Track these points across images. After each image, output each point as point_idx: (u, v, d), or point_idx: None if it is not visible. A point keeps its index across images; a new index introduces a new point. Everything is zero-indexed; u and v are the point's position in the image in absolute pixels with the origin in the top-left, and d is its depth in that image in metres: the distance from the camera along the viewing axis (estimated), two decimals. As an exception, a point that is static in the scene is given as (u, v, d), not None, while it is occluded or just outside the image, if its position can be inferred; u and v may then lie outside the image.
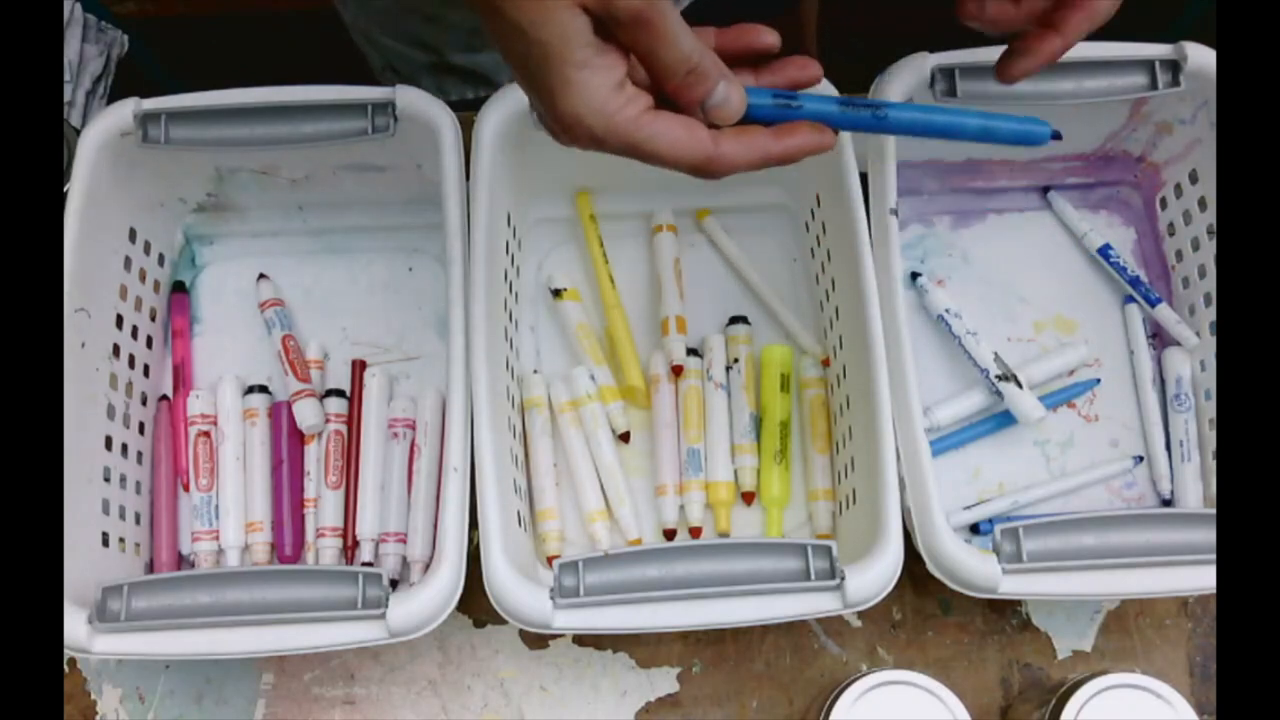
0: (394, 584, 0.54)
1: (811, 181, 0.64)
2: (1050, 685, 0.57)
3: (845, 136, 0.58)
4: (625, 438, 0.64)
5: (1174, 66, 0.59)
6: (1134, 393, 0.65)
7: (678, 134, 0.38)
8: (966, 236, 0.69)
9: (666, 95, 0.38)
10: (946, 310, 0.65)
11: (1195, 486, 0.62)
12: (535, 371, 0.65)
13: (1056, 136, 0.44)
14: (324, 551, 0.61)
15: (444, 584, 0.50)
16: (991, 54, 0.58)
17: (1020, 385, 0.61)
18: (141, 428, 0.63)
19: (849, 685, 0.51)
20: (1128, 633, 0.60)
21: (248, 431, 0.63)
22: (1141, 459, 0.63)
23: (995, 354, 0.62)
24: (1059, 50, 0.46)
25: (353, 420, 0.64)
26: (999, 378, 0.61)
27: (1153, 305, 0.65)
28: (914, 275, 0.67)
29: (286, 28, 1.39)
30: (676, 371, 0.64)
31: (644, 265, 0.68)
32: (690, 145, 0.38)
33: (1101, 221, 0.69)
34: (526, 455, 0.63)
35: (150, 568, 0.62)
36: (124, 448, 0.61)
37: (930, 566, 0.52)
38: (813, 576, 0.50)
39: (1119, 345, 0.66)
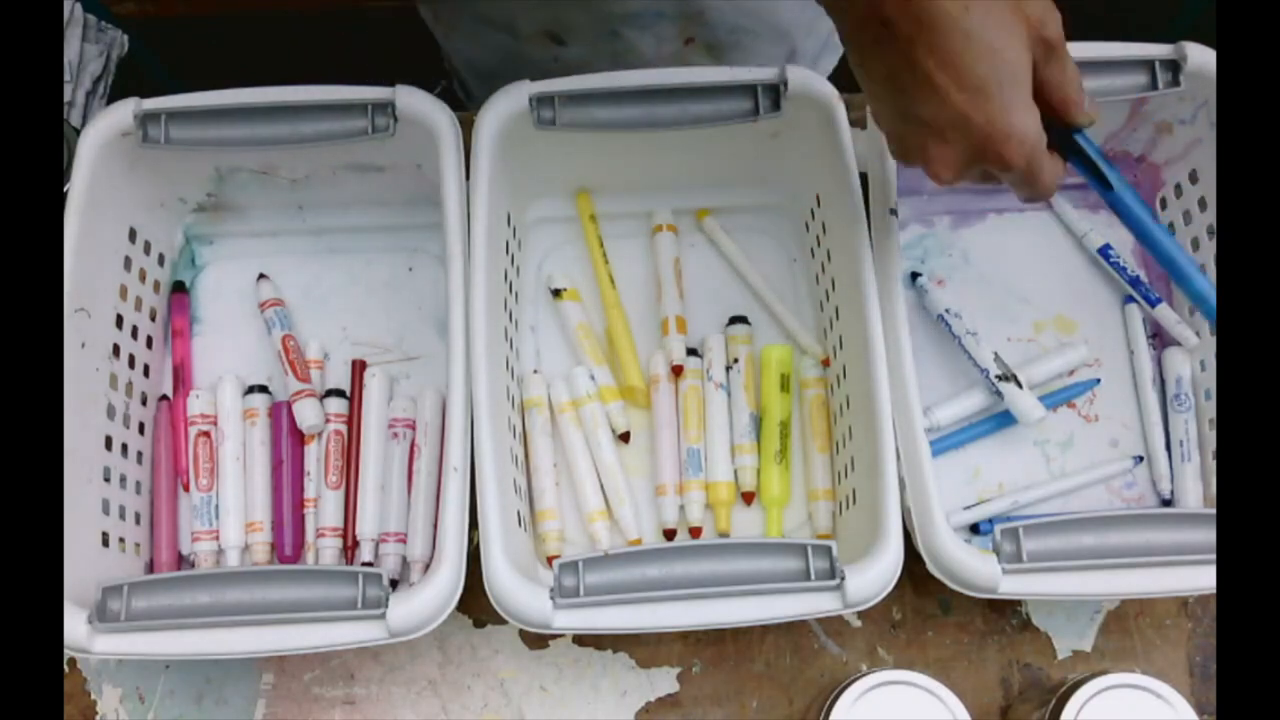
0: (394, 584, 0.54)
1: (811, 181, 0.64)
2: (1050, 685, 0.57)
3: (845, 133, 0.59)
4: (625, 438, 0.64)
5: (1174, 66, 0.59)
6: (1134, 393, 0.65)
7: (1054, 164, 0.45)
8: (966, 236, 0.69)
9: (1064, 107, 0.44)
10: (946, 310, 0.65)
11: (1195, 486, 0.62)
12: (535, 371, 0.65)
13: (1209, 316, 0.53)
14: (324, 551, 0.61)
15: (444, 584, 0.50)
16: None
17: (1020, 385, 0.61)
18: (141, 428, 0.63)
19: (849, 685, 0.51)
20: (1128, 633, 0.60)
21: (248, 431, 0.63)
22: (1141, 459, 0.63)
23: (995, 354, 0.62)
24: None
25: (353, 420, 0.64)
26: (999, 378, 0.61)
27: (1153, 305, 0.65)
28: (914, 275, 0.67)
29: (286, 28, 1.39)
30: (676, 371, 0.64)
31: (644, 265, 0.68)
32: (1056, 178, 0.46)
33: (1101, 221, 0.69)
34: (526, 455, 0.63)
35: (150, 568, 0.62)
36: (124, 448, 0.61)
37: (930, 566, 0.52)
38: (813, 576, 0.50)
39: (1119, 345, 0.66)
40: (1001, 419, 0.64)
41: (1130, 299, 0.66)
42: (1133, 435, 0.64)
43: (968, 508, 0.62)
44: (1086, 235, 0.67)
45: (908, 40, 0.41)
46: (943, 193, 0.69)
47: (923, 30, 0.40)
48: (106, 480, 0.59)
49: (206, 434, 0.63)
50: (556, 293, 0.67)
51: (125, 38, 1.17)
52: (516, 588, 0.50)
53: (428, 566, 0.58)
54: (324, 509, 0.62)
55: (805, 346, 0.66)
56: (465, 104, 0.79)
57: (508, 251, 0.63)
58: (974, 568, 0.50)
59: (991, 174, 0.45)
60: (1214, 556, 0.50)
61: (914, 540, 0.53)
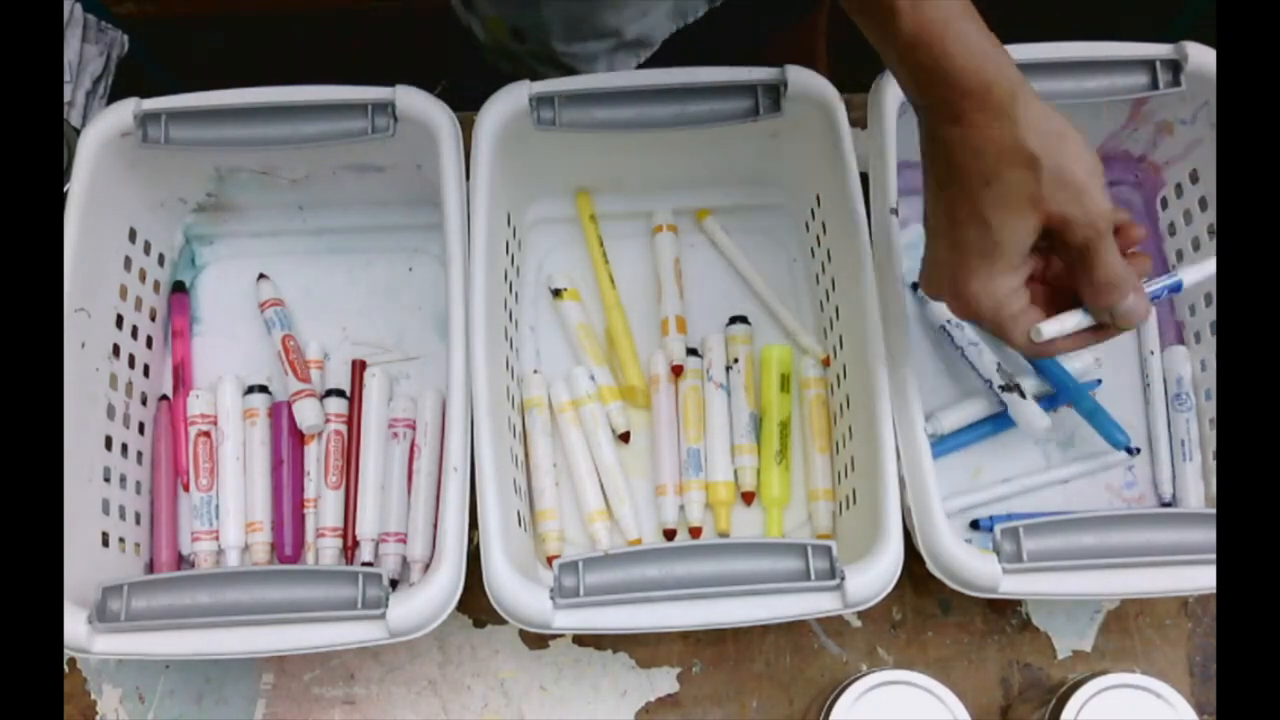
0: (394, 584, 0.54)
1: (811, 181, 0.64)
2: (1050, 685, 0.57)
3: (845, 133, 0.59)
4: (625, 438, 0.64)
5: (1174, 66, 0.59)
6: (1134, 393, 0.65)
7: (1028, 321, 0.47)
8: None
9: (1083, 297, 0.46)
10: (948, 321, 0.65)
11: (1196, 486, 0.62)
12: (535, 371, 0.65)
13: (1130, 451, 0.62)
14: (324, 551, 0.61)
15: (444, 584, 0.50)
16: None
17: (1023, 395, 0.61)
18: (141, 428, 0.63)
19: (849, 685, 0.51)
20: (1128, 633, 0.60)
21: (248, 431, 0.63)
22: (1134, 451, 0.63)
23: (999, 364, 0.62)
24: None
25: (353, 420, 0.64)
26: (1003, 388, 0.61)
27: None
28: (914, 286, 0.67)
29: (286, 28, 1.39)
30: (676, 371, 0.64)
31: (644, 265, 0.68)
32: (1029, 349, 0.47)
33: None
34: (526, 455, 0.63)
35: (150, 568, 0.62)
36: (124, 448, 0.61)
37: (930, 566, 0.52)
38: (813, 576, 0.50)
39: (1119, 345, 0.66)
40: (1002, 421, 0.64)
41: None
42: (1133, 434, 0.64)
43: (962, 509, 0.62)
44: None
45: (937, 183, 0.46)
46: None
47: (949, 183, 0.45)
48: (106, 480, 0.59)
49: (206, 434, 0.63)
50: (556, 293, 0.67)
51: (125, 38, 1.17)
52: (516, 588, 0.50)
53: (428, 566, 0.58)
54: (324, 509, 0.62)
55: (805, 346, 0.65)
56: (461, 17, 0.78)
57: (508, 251, 0.63)
58: (974, 568, 0.50)
59: None
60: (1214, 556, 0.50)
61: (914, 540, 0.53)
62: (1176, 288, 0.49)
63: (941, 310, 0.65)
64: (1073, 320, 0.47)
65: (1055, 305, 0.48)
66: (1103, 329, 0.47)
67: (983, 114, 0.43)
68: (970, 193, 0.44)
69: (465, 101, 0.61)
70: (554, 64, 0.78)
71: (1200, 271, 0.49)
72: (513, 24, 0.75)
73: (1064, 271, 0.47)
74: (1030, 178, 0.43)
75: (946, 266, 0.47)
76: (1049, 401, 0.64)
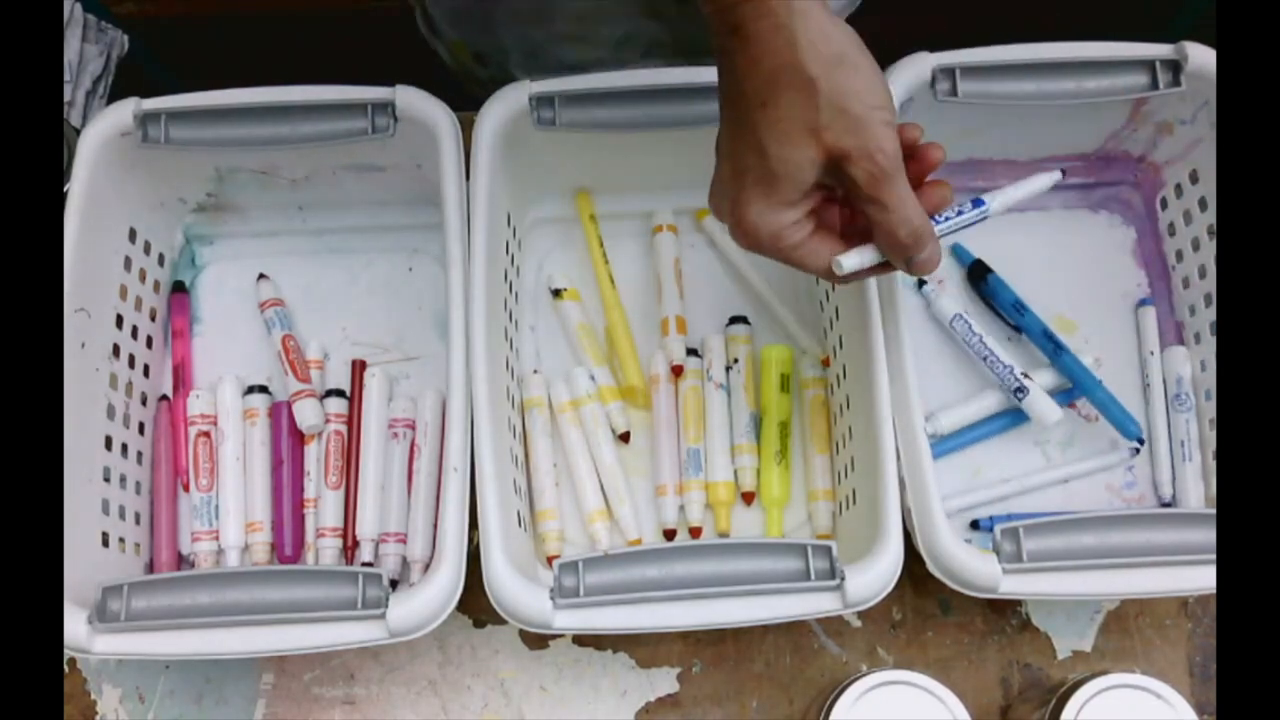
0: (394, 584, 0.54)
1: (811, 181, 0.64)
2: (1050, 685, 0.57)
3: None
4: (625, 438, 0.64)
5: (1174, 66, 0.59)
6: (1134, 393, 0.65)
7: (815, 261, 0.45)
8: (967, 236, 0.69)
9: (883, 246, 0.44)
10: (957, 315, 0.65)
11: (1196, 486, 0.62)
12: (535, 371, 0.65)
13: (1141, 442, 0.63)
14: (324, 551, 0.61)
15: (444, 584, 0.50)
16: (993, 54, 0.58)
17: (1035, 389, 0.61)
18: (141, 428, 0.63)
19: (849, 685, 0.51)
20: (1128, 633, 0.60)
21: (248, 431, 0.63)
22: (1140, 448, 0.63)
23: (1010, 361, 0.63)
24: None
25: (353, 420, 0.64)
26: (1016, 385, 0.61)
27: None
28: (921, 282, 0.67)
29: (286, 28, 1.39)
30: (676, 371, 0.64)
31: (644, 265, 0.68)
32: (822, 261, 0.45)
33: (1102, 221, 0.69)
34: (526, 455, 0.63)
35: (150, 568, 0.62)
36: (124, 448, 0.61)
37: (930, 566, 0.52)
38: (813, 576, 0.50)
39: (1119, 345, 0.66)
40: (1002, 420, 0.64)
41: (1144, 301, 0.66)
42: (1133, 435, 0.64)
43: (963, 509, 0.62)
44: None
45: (721, 103, 0.44)
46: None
47: (727, 104, 0.43)
48: (106, 480, 0.59)
49: (206, 434, 0.63)
50: (556, 293, 0.67)
51: (125, 38, 1.17)
52: (516, 588, 0.50)
53: (428, 566, 0.57)
54: (324, 509, 0.62)
55: (805, 346, 0.66)
56: (431, 39, 0.78)
57: (508, 251, 0.63)
58: (974, 568, 0.50)
59: None
60: (1214, 556, 0.50)
61: (914, 540, 0.53)
62: (982, 216, 0.47)
63: (948, 306, 0.65)
64: (873, 253, 0.45)
65: (857, 231, 0.45)
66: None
67: (760, 23, 0.39)
68: (747, 113, 0.41)
69: (465, 101, 0.61)
70: None
71: (1007, 197, 0.47)
72: (474, 49, 0.75)
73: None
74: (807, 103, 0.40)
75: (727, 191, 0.44)
76: (1062, 396, 0.64)
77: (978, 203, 0.48)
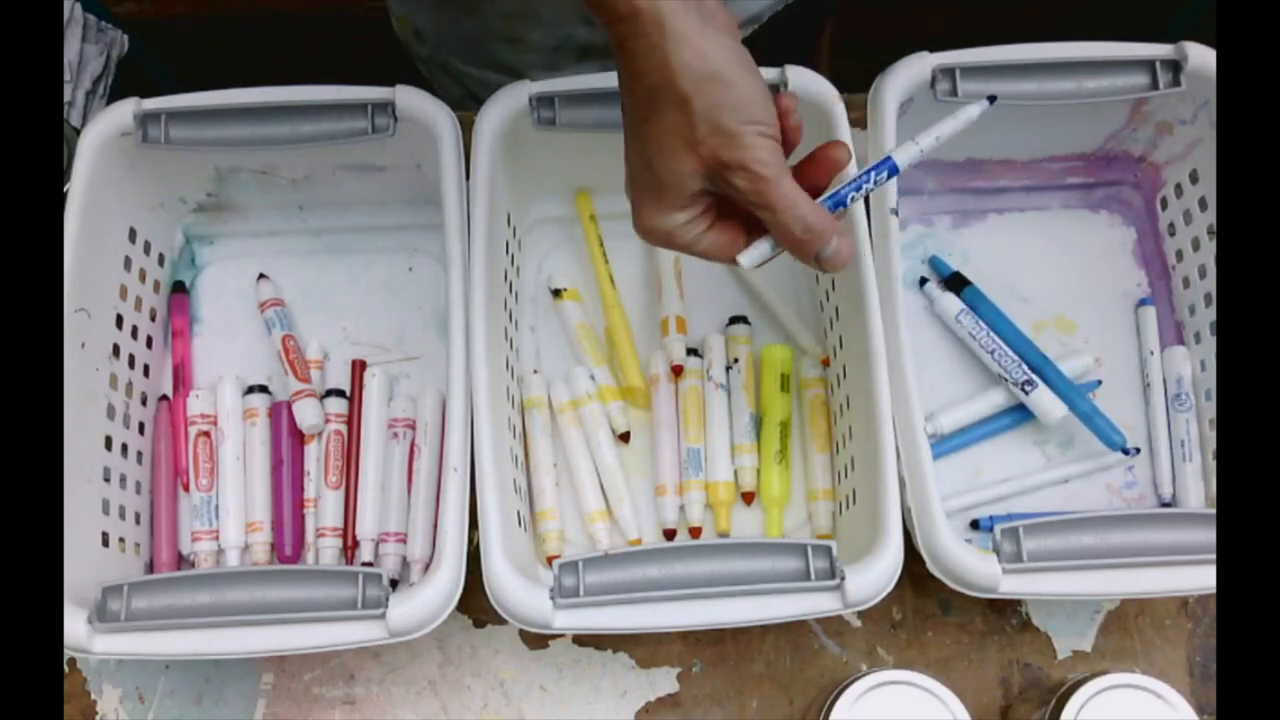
0: (394, 584, 0.54)
1: (811, 181, 0.64)
2: (1050, 685, 0.57)
3: (844, 133, 0.58)
4: (625, 438, 0.64)
5: (1174, 66, 0.59)
6: (1134, 393, 0.65)
7: (717, 250, 0.47)
8: (966, 236, 0.69)
9: (783, 247, 0.45)
10: (963, 310, 0.65)
11: (1196, 486, 0.62)
12: (535, 371, 0.65)
13: (1126, 452, 0.62)
14: (324, 551, 0.61)
15: (444, 584, 0.50)
16: (993, 54, 0.58)
17: (1038, 386, 0.61)
18: (141, 428, 0.63)
19: (849, 685, 0.51)
20: (1128, 633, 0.60)
21: (248, 431, 0.63)
22: (1138, 450, 0.63)
23: (1013, 357, 0.63)
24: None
25: (353, 420, 0.64)
26: (1021, 381, 0.62)
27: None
28: (923, 280, 0.67)
29: (286, 28, 1.39)
30: (676, 371, 0.64)
31: (644, 265, 0.68)
32: (727, 252, 0.47)
33: (1102, 221, 0.69)
34: (526, 455, 0.63)
35: (150, 568, 0.62)
36: (124, 448, 0.61)
37: (930, 566, 0.52)
38: (813, 576, 0.50)
39: (1119, 345, 0.66)
40: (1002, 420, 0.64)
41: (1144, 301, 0.66)
42: (1133, 435, 0.64)
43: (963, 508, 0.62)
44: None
45: (623, 112, 0.45)
46: (943, 192, 0.69)
47: (625, 120, 0.45)
48: (106, 480, 0.59)
49: (206, 434, 0.63)
50: (556, 293, 0.67)
51: (125, 38, 1.17)
52: (516, 588, 0.50)
53: (428, 566, 0.57)
54: (324, 509, 0.62)
55: (805, 346, 0.65)
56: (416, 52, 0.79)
57: (508, 251, 0.63)
58: (974, 568, 0.50)
59: None
60: (1214, 556, 0.50)
61: (914, 540, 0.53)
62: (891, 172, 0.47)
63: (950, 306, 0.65)
64: (771, 244, 0.46)
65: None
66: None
67: (637, 43, 0.41)
68: (635, 124, 0.43)
69: (465, 101, 0.61)
70: (455, 80, 0.78)
71: (916, 143, 0.47)
72: (414, 24, 0.76)
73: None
74: (683, 120, 0.41)
75: (630, 191, 0.46)
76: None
77: (883, 161, 0.47)
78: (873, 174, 0.47)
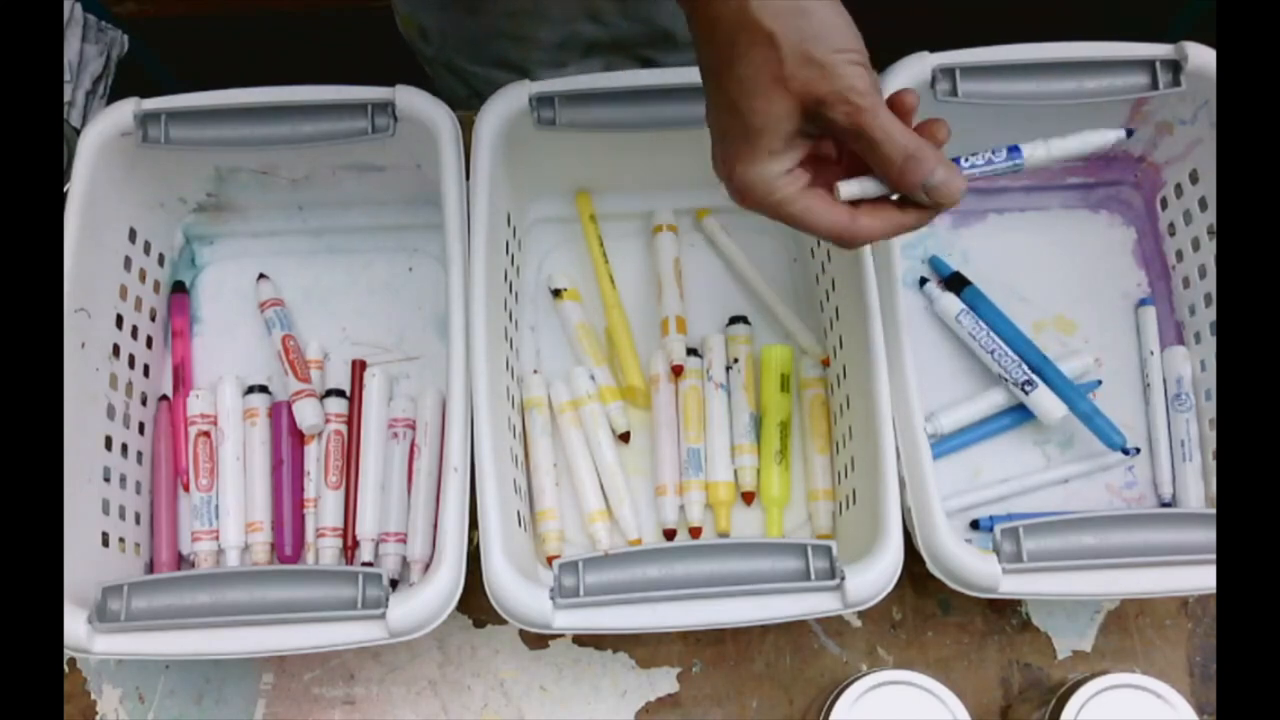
0: (394, 584, 0.54)
1: (811, 181, 0.64)
2: (1050, 685, 0.57)
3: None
4: (625, 438, 0.64)
5: (1174, 66, 0.58)
6: (1134, 393, 0.65)
7: (822, 209, 0.43)
8: (966, 237, 0.69)
9: (889, 183, 0.43)
10: (963, 310, 0.65)
11: (1197, 486, 0.62)
12: (535, 371, 0.65)
13: (1126, 452, 0.62)
14: (324, 551, 0.61)
15: (444, 584, 0.50)
16: (993, 54, 0.58)
17: (1039, 385, 0.62)
18: (141, 428, 0.63)
19: (849, 685, 0.51)
20: (1128, 633, 0.60)
21: (248, 431, 0.63)
22: (1138, 450, 0.63)
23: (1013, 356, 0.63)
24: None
25: (353, 420, 0.64)
26: (1022, 380, 0.62)
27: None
28: (923, 280, 0.67)
29: (286, 28, 1.39)
30: (676, 371, 0.64)
31: (644, 265, 0.68)
32: (832, 219, 0.43)
33: (1102, 221, 0.69)
34: (526, 455, 0.63)
35: (150, 568, 0.62)
36: (124, 448, 0.61)
37: (930, 566, 0.52)
38: (813, 576, 0.50)
39: (1119, 345, 0.66)
40: (1002, 420, 0.64)
41: (1144, 301, 0.66)
42: (1133, 435, 0.64)
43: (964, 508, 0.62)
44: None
45: (702, 72, 0.44)
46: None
47: (702, 70, 0.43)
48: (106, 480, 0.59)
49: (206, 434, 0.63)
50: (556, 293, 0.67)
51: (125, 38, 1.17)
52: (516, 588, 0.50)
53: (428, 566, 0.57)
54: (324, 509, 0.62)
55: (805, 346, 0.66)
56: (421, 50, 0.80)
57: (508, 251, 0.63)
58: (974, 568, 0.50)
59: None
60: (1214, 556, 0.50)
61: (914, 540, 0.53)
62: (1015, 166, 0.45)
63: (950, 306, 0.65)
64: (875, 184, 0.43)
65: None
66: (921, 206, 0.43)
67: None
68: (718, 76, 0.42)
69: (465, 102, 0.61)
70: (461, 79, 0.78)
71: (1051, 148, 0.45)
72: (419, 23, 0.76)
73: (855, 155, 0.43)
74: (771, 56, 0.40)
75: (719, 153, 0.44)
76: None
77: (1013, 150, 0.45)
78: (994, 156, 0.45)
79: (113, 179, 0.60)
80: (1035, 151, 0.45)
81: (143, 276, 0.64)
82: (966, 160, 0.45)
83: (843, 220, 0.43)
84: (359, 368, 0.65)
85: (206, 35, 1.40)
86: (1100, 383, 0.65)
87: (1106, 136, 0.45)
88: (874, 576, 0.50)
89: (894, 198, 0.43)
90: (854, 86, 0.40)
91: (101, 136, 0.58)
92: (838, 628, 0.61)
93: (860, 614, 0.61)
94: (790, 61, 0.40)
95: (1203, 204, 0.64)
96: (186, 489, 0.63)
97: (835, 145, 0.45)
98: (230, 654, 0.50)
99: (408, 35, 0.79)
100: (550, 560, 0.59)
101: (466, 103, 0.79)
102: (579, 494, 0.62)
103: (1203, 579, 0.51)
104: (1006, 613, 0.61)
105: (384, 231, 0.69)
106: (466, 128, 0.59)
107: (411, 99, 0.58)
